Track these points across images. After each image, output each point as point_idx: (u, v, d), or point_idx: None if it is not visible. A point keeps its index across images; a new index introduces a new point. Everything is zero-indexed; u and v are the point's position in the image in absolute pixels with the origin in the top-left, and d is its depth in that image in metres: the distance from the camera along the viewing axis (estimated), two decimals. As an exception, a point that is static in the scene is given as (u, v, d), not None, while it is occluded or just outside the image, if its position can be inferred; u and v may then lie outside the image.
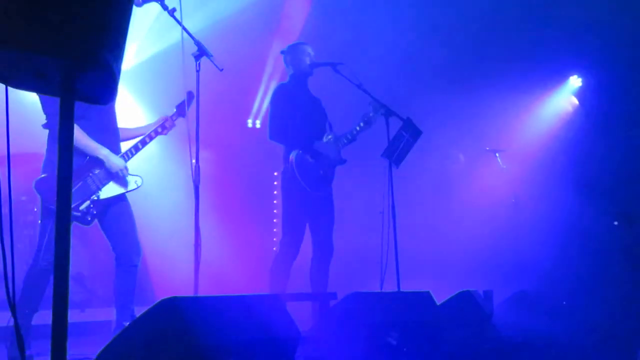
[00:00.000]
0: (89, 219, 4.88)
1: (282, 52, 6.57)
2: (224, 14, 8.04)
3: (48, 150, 4.81)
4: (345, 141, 6.36)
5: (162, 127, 5.32)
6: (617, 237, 9.00)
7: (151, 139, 5.27)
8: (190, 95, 5.19)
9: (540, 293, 7.09)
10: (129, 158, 5.10)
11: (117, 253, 5.02)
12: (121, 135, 5.21)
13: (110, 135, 5.04)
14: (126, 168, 5.03)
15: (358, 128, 6.36)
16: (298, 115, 6.24)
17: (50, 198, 4.64)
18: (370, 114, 6.33)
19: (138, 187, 5.11)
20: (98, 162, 4.90)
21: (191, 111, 4.92)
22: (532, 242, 8.69)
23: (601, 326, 6.32)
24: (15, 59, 1.73)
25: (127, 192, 5.07)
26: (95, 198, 4.88)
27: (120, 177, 4.99)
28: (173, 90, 5.39)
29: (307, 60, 6.38)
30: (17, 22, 1.65)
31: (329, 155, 6.22)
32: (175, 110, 5.37)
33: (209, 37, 5.27)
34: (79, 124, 4.72)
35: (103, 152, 4.90)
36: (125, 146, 5.15)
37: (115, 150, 5.03)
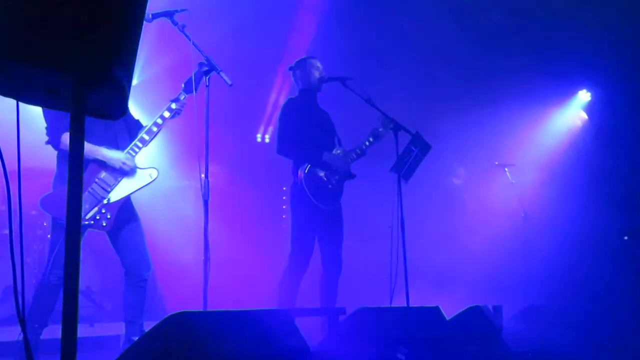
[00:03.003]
0: (104, 224, 4.77)
1: (290, 68, 6.56)
2: (233, 29, 8.08)
3: (58, 165, 4.82)
4: (355, 156, 6.36)
5: (168, 110, 4.95)
6: (627, 252, 8.95)
7: (159, 126, 4.94)
8: (200, 66, 4.88)
9: (550, 308, 7.06)
10: (136, 152, 4.93)
11: (126, 267, 4.98)
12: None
13: (113, 132, 4.94)
14: (129, 159, 4.87)
15: (367, 143, 6.37)
16: (307, 129, 6.24)
17: (59, 213, 4.62)
18: (380, 129, 6.34)
19: (154, 179, 4.95)
20: (101, 165, 4.82)
21: (200, 123, 4.85)
22: (542, 256, 8.66)
23: (611, 341, 6.28)
24: (27, 74, 1.74)
25: (143, 186, 4.92)
26: (106, 202, 4.82)
27: (126, 172, 4.86)
28: (183, 106, 5.39)
29: (317, 75, 6.38)
30: (28, 37, 1.66)
31: (338, 169, 6.21)
32: (183, 86, 5.00)
33: (218, 52, 5.29)
34: None
35: (100, 152, 4.80)
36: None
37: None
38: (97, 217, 4.76)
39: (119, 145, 4.93)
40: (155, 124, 4.96)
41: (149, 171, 4.97)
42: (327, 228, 6.24)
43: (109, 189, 4.83)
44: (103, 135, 4.87)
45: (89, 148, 4.74)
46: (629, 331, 6.58)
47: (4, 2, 1.67)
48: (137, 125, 5.13)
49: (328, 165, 6.17)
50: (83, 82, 1.77)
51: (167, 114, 4.97)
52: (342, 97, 6.50)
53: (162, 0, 5.89)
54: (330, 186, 6.17)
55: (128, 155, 4.90)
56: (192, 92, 4.93)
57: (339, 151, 6.34)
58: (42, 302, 4.71)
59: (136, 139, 4.95)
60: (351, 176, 6.37)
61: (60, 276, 4.58)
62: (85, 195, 4.72)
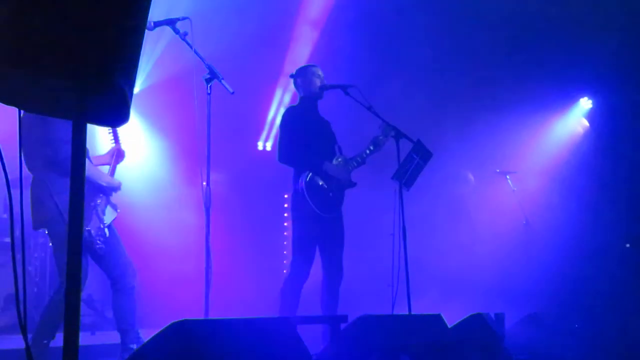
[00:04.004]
0: (103, 247, 4.86)
1: (292, 76, 6.56)
2: (234, 37, 8.09)
3: (38, 193, 4.63)
4: (355, 164, 6.36)
5: (118, 157, 5.22)
6: (628, 259, 8.95)
7: (114, 171, 5.20)
8: (114, 130, 5.24)
9: (552, 315, 7.04)
10: None
11: (113, 278, 4.98)
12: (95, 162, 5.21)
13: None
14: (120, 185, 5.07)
15: (368, 151, 6.36)
16: (308, 137, 6.24)
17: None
18: (380, 137, 6.33)
19: (117, 213, 5.10)
20: (99, 190, 4.89)
21: (202, 133, 4.90)
22: (544, 264, 8.65)
23: (614, 348, 6.27)
24: (29, 82, 1.74)
25: (113, 219, 5.05)
26: (102, 226, 4.86)
27: (111, 201, 5.00)
28: (185, 114, 5.42)
29: (318, 83, 6.37)
30: (31, 46, 1.66)
31: (338, 178, 6.21)
32: (114, 144, 5.26)
33: (219, 60, 5.30)
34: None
35: (105, 178, 4.96)
36: None
37: None
38: (102, 240, 4.81)
39: None
40: (113, 170, 5.19)
41: (115, 205, 5.11)
42: (328, 236, 6.24)
43: (103, 214, 4.90)
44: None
45: (98, 172, 4.94)
46: (632, 339, 6.57)
47: (4, 11, 1.68)
48: None
49: (329, 174, 6.17)
50: (85, 90, 1.77)
51: (118, 160, 5.25)
52: (344, 105, 6.50)
53: (164, 8, 5.90)
54: (331, 194, 6.17)
55: (119, 182, 5.08)
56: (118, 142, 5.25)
57: (339, 159, 6.34)
58: (54, 318, 4.67)
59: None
60: (352, 184, 6.36)
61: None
62: (93, 215, 4.83)
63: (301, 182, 6.06)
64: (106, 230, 4.84)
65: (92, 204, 4.83)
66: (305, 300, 6.25)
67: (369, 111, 6.18)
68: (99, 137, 6.33)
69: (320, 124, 6.49)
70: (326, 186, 6.14)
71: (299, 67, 6.62)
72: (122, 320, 4.96)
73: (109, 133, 5.24)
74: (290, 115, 6.37)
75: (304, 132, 6.25)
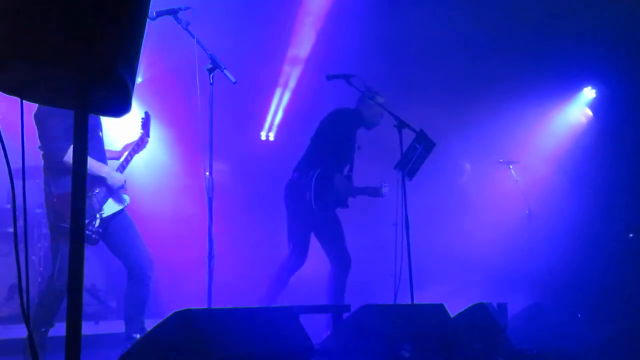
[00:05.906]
0: (96, 237, 4.81)
1: (366, 92, 6.45)
2: (237, 26, 8.08)
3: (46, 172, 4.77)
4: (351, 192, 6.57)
5: (138, 146, 5.16)
6: (631, 250, 8.94)
7: (132, 157, 5.15)
8: (147, 115, 5.21)
9: (554, 306, 7.05)
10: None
11: (129, 267, 4.95)
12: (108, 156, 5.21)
13: (102, 153, 5.02)
14: (125, 181, 4.98)
15: (364, 191, 6.57)
16: (345, 146, 6.37)
17: (64, 216, 4.58)
18: (382, 189, 6.67)
19: (127, 204, 5.04)
20: (98, 181, 4.83)
21: (205, 123, 4.87)
22: (546, 254, 8.65)
23: (615, 339, 6.27)
24: (30, 72, 1.74)
25: (122, 209, 4.98)
26: (98, 216, 4.82)
27: (118, 193, 4.94)
28: (187, 104, 5.41)
29: (380, 117, 6.56)
30: (33, 36, 1.66)
31: (339, 193, 6.33)
32: (142, 131, 5.20)
33: (222, 49, 5.28)
34: None
35: (105, 170, 4.86)
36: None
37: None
38: (93, 229, 4.77)
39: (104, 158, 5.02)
40: (131, 155, 5.13)
41: (125, 196, 5.04)
42: (324, 228, 6.34)
43: (102, 204, 4.85)
44: (99, 148, 4.96)
45: (96, 164, 4.82)
46: (634, 328, 6.58)
47: (7, 1, 1.68)
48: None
49: (334, 184, 6.27)
50: (87, 81, 1.77)
51: (137, 148, 5.16)
52: (346, 95, 6.51)
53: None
54: (329, 196, 6.26)
55: (124, 178, 5.00)
56: (148, 135, 5.19)
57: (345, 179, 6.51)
58: (48, 306, 4.68)
59: (118, 165, 5.07)
60: (345, 205, 6.49)
61: (66, 283, 4.56)
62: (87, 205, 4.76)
63: (312, 173, 6.14)
64: (97, 221, 4.79)
65: (88, 194, 4.79)
66: (309, 289, 6.27)
67: (372, 101, 6.19)
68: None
69: (353, 142, 6.61)
70: (327, 190, 6.23)
71: (378, 89, 6.63)
72: (130, 307, 4.94)
73: (142, 119, 5.20)
74: (347, 118, 6.55)
75: (343, 139, 6.36)
